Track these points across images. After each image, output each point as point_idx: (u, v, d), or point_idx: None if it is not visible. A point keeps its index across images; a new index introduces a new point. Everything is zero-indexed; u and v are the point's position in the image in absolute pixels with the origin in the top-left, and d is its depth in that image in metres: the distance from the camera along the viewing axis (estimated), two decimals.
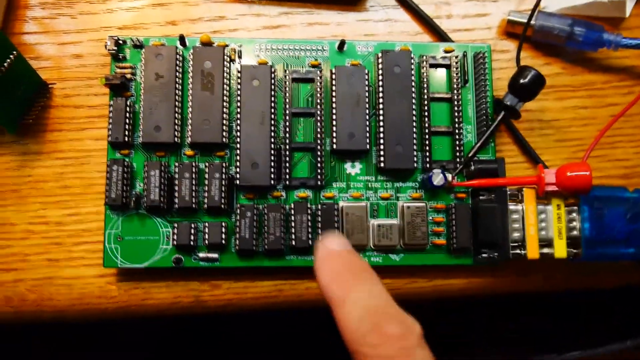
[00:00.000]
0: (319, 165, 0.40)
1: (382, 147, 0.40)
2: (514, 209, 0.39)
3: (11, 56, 0.37)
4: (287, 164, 0.40)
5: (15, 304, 0.40)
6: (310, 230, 0.39)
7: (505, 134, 0.44)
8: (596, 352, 0.48)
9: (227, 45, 0.41)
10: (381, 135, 0.40)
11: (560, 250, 0.39)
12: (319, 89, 0.41)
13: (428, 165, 0.41)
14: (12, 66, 0.37)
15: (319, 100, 0.41)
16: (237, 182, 0.39)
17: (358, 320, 0.26)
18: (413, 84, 0.41)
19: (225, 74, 0.40)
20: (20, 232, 0.41)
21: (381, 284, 0.28)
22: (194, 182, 0.39)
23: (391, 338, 0.25)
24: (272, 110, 0.40)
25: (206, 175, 0.39)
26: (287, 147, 0.40)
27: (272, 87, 0.40)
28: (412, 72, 0.41)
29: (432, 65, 0.43)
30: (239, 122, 0.39)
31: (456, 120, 0.41)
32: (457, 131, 0.41)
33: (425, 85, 0.42)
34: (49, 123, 0.42)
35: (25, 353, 0.55)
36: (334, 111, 0.40)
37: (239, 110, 0.40)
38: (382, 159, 0.40)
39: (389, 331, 0.25)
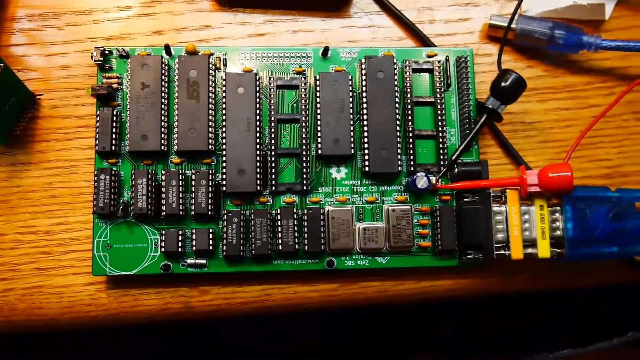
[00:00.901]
0: (304, 170, 0.41)
1: (366, 151, 0.41)
2: (497, 210, 0.40)
3: None
4: (273, 170, 0.41)
5: (6, 314, 0.40)
6: (297, 235, 0.39)
7: (488, 136, 0.44)
8: (585, 351, 0.48)
9: (212, 54, 0.42)
10: (366, 140, 0.41)
11: (544, 250, 0.39)
12: (303, 96, 0.41)
13: (412, 169, 0.41)
14: None
15: (303, 107, 0.41)
16: (224, 188, 0.40)
17: None
18: (396, 88, 0.41)
19: (210, 82, 0.41)
20: (9, 242, 0.41)
21: None
22: (181, 190, 0.39)
23: None
24: (258, 117, 0.40)
25: (193, 183, 0.39)
26: (273, 153, 0.41)
27: (257, 94, 0.41)
28: (396, 77, 0.42)
29: (415, 70, 0.43)
30: (224, 129, 0.40)
31: (440, 123, 0.42)
32: (440, 134, 0.42)
33: (408, 90, 0.42)
34: (37, 134, 0.42)
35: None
36: (318, 117, 0.41)
37: (224, 117, 0.40)
38: (367, 163, 0.41)
39: None
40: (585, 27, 0.45)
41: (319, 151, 0.41)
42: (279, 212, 0.40)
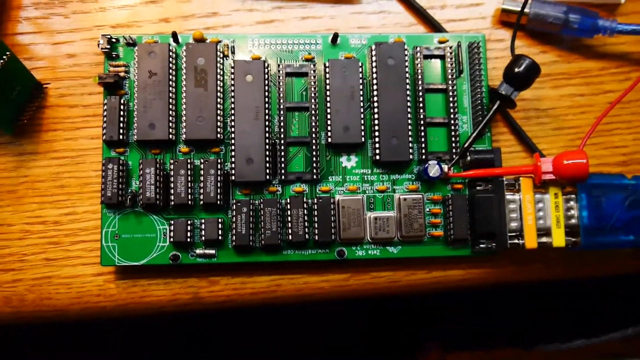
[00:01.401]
0: (314, 159, 0.40)
1: (377, 139, 0.40)
2: (511, 198, 0.39)
3: (4, 57, 0.37)
4: (283, 159, 0.40)
5: (15, 304, 0.40)
6: (306, 224, 0.39)
7: (501, 123, 0.43)
8: (599, 340, 0.48)
9: (220, 42, 0.41)
10: (376, 127, 0.40)
11: (558, 239, 0.39)
12: (312, 83, 0.41)
13: (424, 157, 0.41)
14: (5, 67, 0.37)
15: (313, 94, 0.41)
16: (233, 178, 0.39)
17: None
18: (407, 75, 0.41)
19: (218, 70, 0.40)
20: (17, 233, 0.41)
21: None
22: (189, 179, 0.39)
23: None
24: (266, 105, 0.40)
25: (201, 172, 0.39)
26: (282, 141, 0.40)
27: (266, 82, 0.40)
28: (406, 63, 0.41)
29: (427, 57, 0.42)
30: (233, 117, 0.39)
31: (451, 111, 0.41)
32: (452, 122, 0.41)
33: (419, 77, 0.42)
34: (44, 123, 0.42)
35: (26, 353, 0.56)
36: (328, 105, 0.40)
37: (233, 106, 0.40)
38: (377, 151, 0.40)
39: None
40: (600, 10, 0.44)
41: (329, 139, 0.40)
42: (288, 201, 0.39)
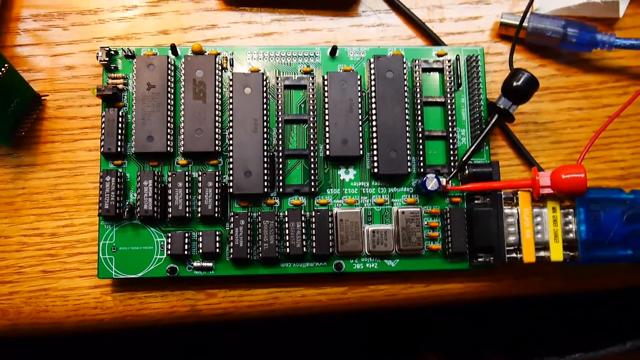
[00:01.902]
0: (312, 172, 0.40)
1: (375, 152, 0.40)
2: (509, 212, 0.39)
3: (3, 69, 0.37)
4: (281, 171, 0.40)
5: (11, 317, 0.40)
6: (304, 237, 0.39)
7: (499, 137, 0.43)
8: (597, 355, 0.47)
9: (218, 54, 0.41)
10: (374, 140, 0.40)
11: (556, 253, 0.39)
12: (311, 96, 0.41)
13: (422, 170, 0.41)
14: (4, 79, 0.37)
15: (311, 107, 0.41)
16: (231, 190, 0.39)
17: None
18: (406, 88, 0.41)
19: (217, 83, 0.40)
20: (14, 245, 0.40)
21: None
22: (187, 192, 0.39)
23: None
24: (265, 117, 0.40)
25: (199, 184, 0.39)
26: (281, 154, 0.40)
27: (265, 94, 0.40)
28: (405, 76, 0.41)
29: (425, 70, 0.42)
30: (231, 130, 0.39)
31: (450, 124, 0.41)
32: (451, 135, 0.41)
33: (418, 90, 0.42)
34: (42, 135, 0.42)
35: None
36: (326, 117, 0.40)
37: (231, 118, 0.40)
38: (375, 164, 0.40)
39: None
40: (599, 25, 0.44)
41: (327, 152, 0.40)
42: (286, 214, 0.39)
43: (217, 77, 0.40)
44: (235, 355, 0.61)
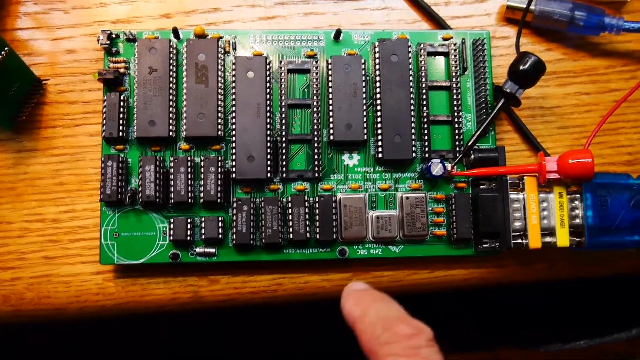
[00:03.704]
0: (316, 157, 0.40)
1: (380, 137, 0.40)
2: (515, 197, 0.39)
3: (3, 53, 0.37)
4: (284, 157, 0.40)
5: (13, 303, 0.40)
6: (308, 223, 0.39)
7: (505, 121, 0.43)
8: (602, 341, 0.47)
9: (221, 37, 0.41)
10: (379, 125, 0.40)
11: (562, 239, 0.38)
12: (315, 80, 0.40)
13: (427, 155, 0.40)
14: (4, 63, 0.37)
15: (315, 91, 0.40)
16: (233, 175, 0.39)
17: (373, 324, 0.28)
18: (411, 72, 0.40)
19: (219, 66, 0.40)
20: (16, 230, 0.40)
21: (398, 305, 0.30)
22: (189, 177, 0.38)
23: (402, 337, 0.27)
24: (268, 102, 0.39)
25: (202, 169, 0.38)
26: (284, 139, 0.40)
27: (268, 78, 0.40)
28: (410, 60, 0.40)
29: (430, 54, 0.42)
30: (234, 114, 0.39)
31: (455, 108, 0.41)
32: (456, 120, 0.41)
33: (423, 74, 0.41)
34: (44, 120, 0.41)
35: (25, 351, 0.55)
36: (330, 102, 0.40)
37: (234, 102, 0.39)
38: (380, 149, 0.40)
39: (400, 331, 0.27)
40: (607, 8, 0.43)
41: (331, 137, 0.40)
42: (289, 199, 0.39)
43: (219, 61, 0.40)
44: (238, 341, 0.61)
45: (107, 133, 0.39)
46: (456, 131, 0.41)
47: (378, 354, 0.27)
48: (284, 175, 0.40)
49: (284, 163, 0.40)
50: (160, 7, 0.43)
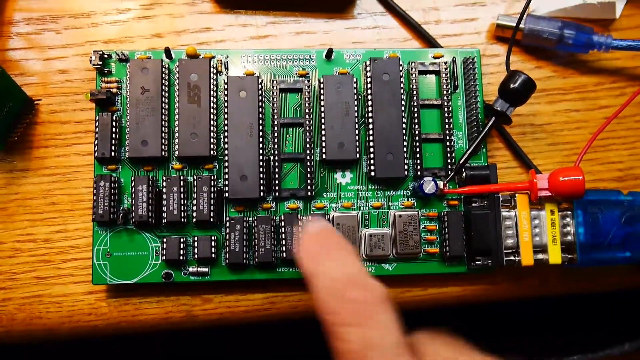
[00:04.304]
0: (308, 175, 0.40)
1: (372, 155, 0.40)
2: (507, 215, 0.39)
3: None
4: (277, 175, 0.40)
5: (4, 324, 0.40)
6: None
7: (497, 139, 0.43)
8: (595, 356, 0.47)
9: (213, 57, 0.41)
10: (371, 144, 0.40)
11: (555, 256, 0.39)
12: (307, 99, 0.41)
13: (419, 173, 0.40)
14: None
15: (307, 110, 0.40)
16: (226, 194, 0.39)
17: (324, 290, 0.27)
18: (402, 91, 0.41)
19: (211, 86, 0.40)
20: (7, 250, 0.40)
21: (354, 256, 0.29)
22: (182, 196, 0.38)
23: (352, 303, 0.26)
24: (260, 121, 0.40)
25: (195, 189, 0.38)
26: (276, 158, 0.40)
27: (260, 97, 0.40)
28: (402, 79, 0.41)
29: (422, 72, 0.42)
30: (226, 134, 0.39)
31: (447, 126, 0.41)
32: (448, 138, 0.41)
33: (414, 92, 0.41)
34: (35, 139, 0.41)
35: None
36: (322, 121, 0.40)
37: (226, 122, 0.39)
38: (372, 167, 0.40)
39: (350, 296, 0.26)
40: (595, 26, 0.44)
41: (324, 155, 0.40)
42: (282, 218, 0.39)
43: (211, 80, 0.40)
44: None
45: (100, 153, 0.39)
46: (448, 149, 0.41)
47: (328, 323, 0.26)
48: (277, 194, 0.40)
49: (277, 182, 0.40)
50: (151, 27, 0.43)
